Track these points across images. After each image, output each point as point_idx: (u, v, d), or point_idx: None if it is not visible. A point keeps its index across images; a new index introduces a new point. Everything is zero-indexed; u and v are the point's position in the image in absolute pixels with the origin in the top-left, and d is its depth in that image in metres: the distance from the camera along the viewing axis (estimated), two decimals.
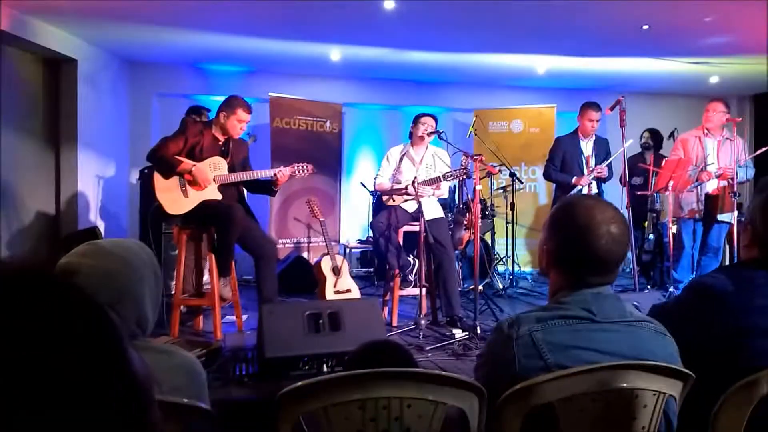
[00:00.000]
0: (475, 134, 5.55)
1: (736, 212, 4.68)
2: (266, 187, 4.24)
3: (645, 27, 5.07)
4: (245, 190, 4.38)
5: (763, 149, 4.95)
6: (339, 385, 1.26)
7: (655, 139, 6.63)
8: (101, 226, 6.04)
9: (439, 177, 4.34)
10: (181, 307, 4.20)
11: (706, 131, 5.08)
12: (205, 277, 4.41)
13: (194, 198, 3.92)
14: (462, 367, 3.37)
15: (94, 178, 6.03)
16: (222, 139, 4.11)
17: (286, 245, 6.46)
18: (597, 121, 5.19)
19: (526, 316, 1.34)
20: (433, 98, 7.52)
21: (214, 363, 3.16)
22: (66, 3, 4.59)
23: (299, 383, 1.25)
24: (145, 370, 0.57)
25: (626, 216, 4.41)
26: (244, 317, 4.40)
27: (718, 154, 5.04)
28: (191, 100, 6.75)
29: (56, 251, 5.49)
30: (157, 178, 3.91)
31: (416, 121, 4.61)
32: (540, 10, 4.69)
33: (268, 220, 6.31)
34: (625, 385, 1.28)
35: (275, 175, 4.08)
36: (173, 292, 4.22)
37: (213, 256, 3.99)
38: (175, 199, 3.90)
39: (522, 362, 1.28)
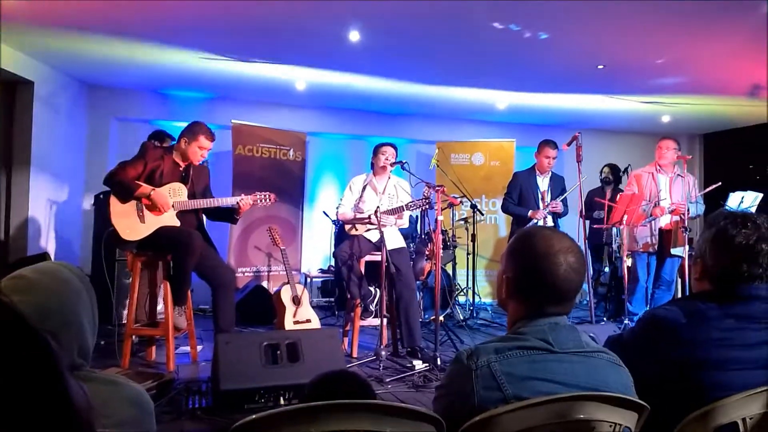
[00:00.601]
0: (438, 166, 5.63)
1: (687, 247, 4.83)
2: (227, 214, 4.18)
3: (600, 66, 5.27)
4: (204, 217, 4.31)
5: (713, 186, 5.14)
6: (293, 418, 1.22)
7: (614, 174, 6.84)
8: (52, 251, 5.83)
9: (401, 207, 4.36)
10: (133, 336, 4.06)
11: (658, 168, 5.26)
12: (160, 306, 4.29)
13: (151, 224, 3.83)
14: (422, 398, 3.34)
15: (46, 202, 5.84)
16: (183, 165, 4.05)
17: (246, 274, 6.35)
18: (553, 158, 5.35)
19: (484, 347, 1.33)
20: (397, 129, 7.61)
21: (166, 395, 3.05)
22: (23, 22, 4.50)
23: (252, 416, 1.21)
24: (85, 402, 0.54)
25: (583, 248, 4.51)
26: (199, 348, 4.28)
27: (671, 190, 5.23)
28: (152, 125, 6.65)
29: (3, 277, 5.25)
30: (114, 202, 3.81)
31: (376, 151, 4.65)
32: (500, 46, 4.83)
33: (228, 247, 6.21)
34: (582, 416, 1.27)
35: (238, 203, 4.03)
36: (125, 321, 4.08)
37: (168, 284, 3.89)
38: (131, 224, 3.80)
39: (481, 394, 1.26)
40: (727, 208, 5.68)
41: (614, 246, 6.02)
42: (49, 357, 0.53)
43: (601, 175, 6.83)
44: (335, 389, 1.55)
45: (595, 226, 5.87)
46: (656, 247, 5.19)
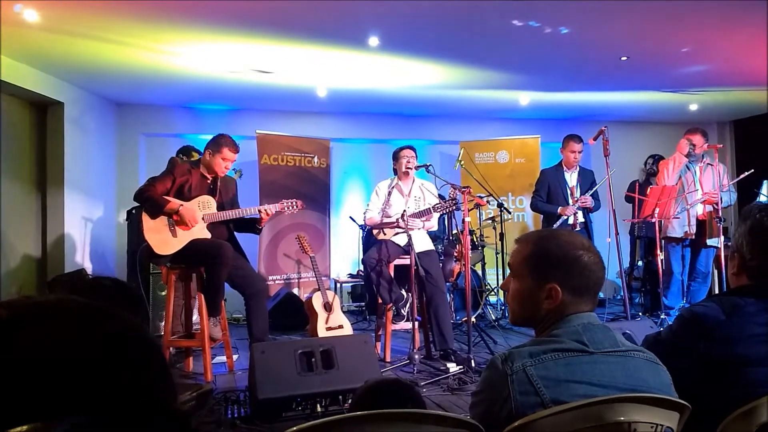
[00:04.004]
0: (462, 166, 5.60)
1: (722, 237, 4.73)
2: (250, 225, 4.23)
3: (624, 58, 5.19)
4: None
5: (745, 174, 5.03)
6: (334, 429, 1.24)
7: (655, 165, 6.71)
8: (88, 267, 5.97)
9: (429, 209, 4.36)
10: (171, 348, 4.14)
11: (688, 155, 5.15)
12: (195, 317, 4.36)
13: (183, 238, 3.90)
14: (458, 401, 3.34)
15: (80, 219, 5.99)
16: (210, 177, 4.11)
17: (276, 282, 6.42)
18: (579, 152, 5.28)
19: (518, 352, 1.33)
20: (419, 131, 7.61)
21: (205, 406, 3.10)
22: (52, 49, 4.64)
23: (294, 429, 1.23)
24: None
25: (615, 243, 4.45)
26: (235, 357, 4.34)
27: (701, 180, 5.13)
28: (179, 138, 6.77)
29: (43, 295, 5.40)
30: (145, 218, 3.89)
31: (396, 156, 4.66)
32: (521, 44, 4.79)
33: (258, 256, 6.28)
34: (622, 418, 1.26)
35: (260, 212, 4.08)
36: (162, 333, 4.16)
37: (202, 296, 3.95)
38: (163, 239, 3.88)
39: (518, 399, 1.26)
40: (762, 195, 5.56)
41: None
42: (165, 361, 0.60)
43: (645, 166, 6.71)
44: (383, 399, 1.56)
45: (624, 220, 5.79)
46: (694, 235, 5.08)
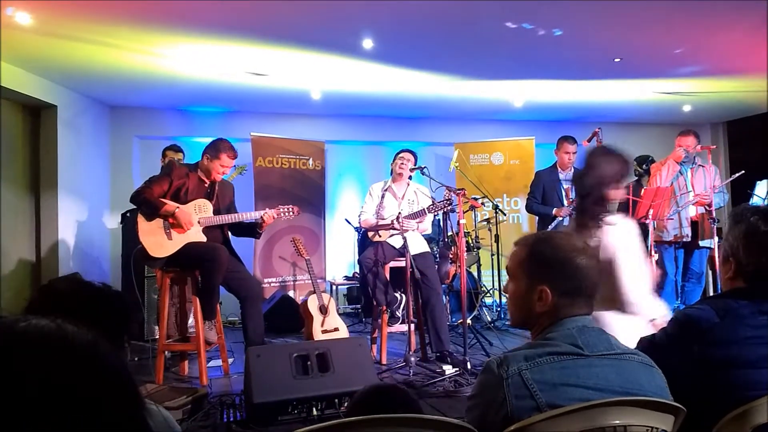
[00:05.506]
0: (457, 168, 5.61)
1: (716, 238, 4.75)
2: (250, 229, 4.22)
3: (617, 60, 5.21)
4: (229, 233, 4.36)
5: (735, 175, 5.05)
6: None
7: (644, 166, 6.69)
8: (82, 271, 5.95)
9: (423, 210, 4.37)
10: (166, 352, 4.13)
11: (682, 156, 5.16)
12: (190, 321, 4.35)
13: (178, 240, 3.89)
14: (455, 404, 3.34)
15: (74, 223, 5.96)
16: (207, 181, 4.10)
17: (272, 284, 6.41)
18: (573, 153, 5.30)
19: (513, 355, 1.33)
20: (414, 133, 7.61)
21: (201, 410, 3.09)
22: (46, 52, 4.62)
23: None
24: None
25: None
26: (230, 361, 4.33)
27: (693, 182, 5.15)
28: (172, 141, 6.75)
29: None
30: (141, 220, 3.88)
31: (395, 157, 4.70)
32: (515, 46, 4.81)
33: (253, 259, 6.27)
34: (617, 422, 1.27)
35: (261, 217, 4.07)
36: (157, 337, 4.15)
37: (197, 299, 3.94)
38: (158, 242, 3.87)
39: (513, 403, 1.26)
40: (756, 196, 5.59)
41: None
42: (132, 384, 0.56)
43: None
44: (380, 404, 1.56)
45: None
46: (689, 237, 5.10)
